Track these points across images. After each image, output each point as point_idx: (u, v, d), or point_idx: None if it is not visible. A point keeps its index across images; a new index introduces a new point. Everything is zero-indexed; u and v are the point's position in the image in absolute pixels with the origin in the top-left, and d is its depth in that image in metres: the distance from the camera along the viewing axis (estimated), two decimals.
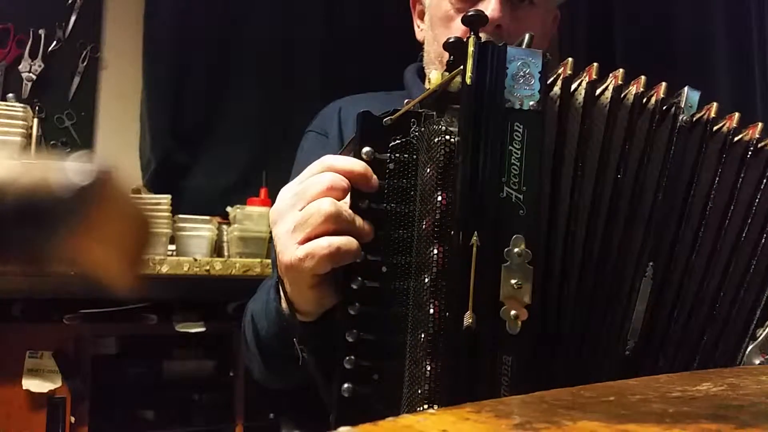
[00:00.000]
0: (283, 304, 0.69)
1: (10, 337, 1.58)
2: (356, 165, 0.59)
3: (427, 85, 0.60)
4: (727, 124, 0.65)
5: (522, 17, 0.88)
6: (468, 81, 0.55)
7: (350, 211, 0.58)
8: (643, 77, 0.62)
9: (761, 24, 2.27)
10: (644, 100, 0.62)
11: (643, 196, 0.62)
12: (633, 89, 0.62)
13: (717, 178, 0.64)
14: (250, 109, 2.22)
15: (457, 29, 0.90)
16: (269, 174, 2.04)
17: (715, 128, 0.65)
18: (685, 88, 0.63)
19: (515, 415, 0.34)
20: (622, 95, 0.62)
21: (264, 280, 0.94)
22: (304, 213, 0.59)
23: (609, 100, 0.60)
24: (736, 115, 0.65)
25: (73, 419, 1.60)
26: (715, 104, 0.64)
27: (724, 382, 0.44)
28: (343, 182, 0.59)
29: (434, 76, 0.59)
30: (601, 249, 0.61)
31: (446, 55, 0.95)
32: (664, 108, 0.63)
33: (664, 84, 0.63)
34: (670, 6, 2.37)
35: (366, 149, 0.60)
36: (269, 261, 1.46)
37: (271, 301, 0.73)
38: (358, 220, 0.59)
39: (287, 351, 0.71)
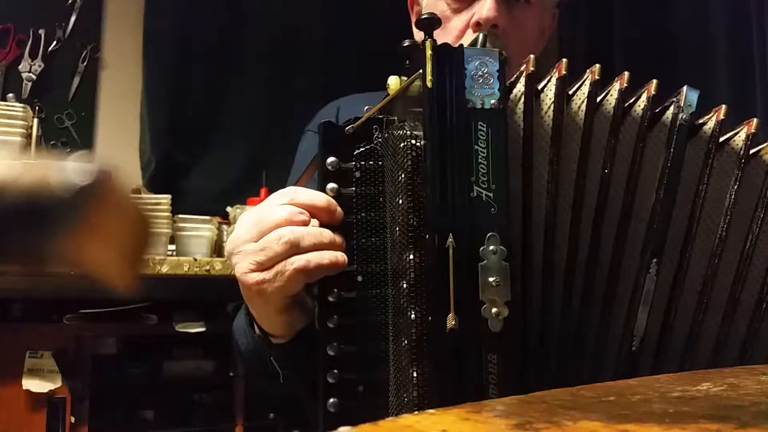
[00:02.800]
0: (255, 327, 0.68)
1: (10, 337, 1.58)
2: (318, 199, 0.59)
3: (387, 91, 0.60)
4: (745, 130, 0.64)
5: (518, 16, 0.88)
6: (429, 84, 0.55)
7: (312, 233, 0.58)
8: (626, 73, 0.62)
9: (761, 24, 2.26)
10: (633, 98, 0.62)
11: (639, 192, 0.61)
12: (617, 86, 0.61)
13: (737, 184, 0.63)
14: (250, 109, 2.22)
15: (453, 29, 0.89)
16: (269, 174, 2.04)
17: (728, 135, 0.64)
18: (684, 87, 0.63)
19: (515, 415, 0.34)
20: (605, 92, 0.61)
21: None
22: (262, 242, 0.58)
23: (586, 96, 0.60)
24: (755, 121, 0.64)
25: (73, 419, 1.60)
26: (724, 106, 0.64)
27: (724, 382, 0.44)
28: (303, 215, 0.58)
29: (393, 81, 0.59)
30: (592, 245, 0.60)
31: None
32: (659, 106, 0.63)
33: (654, 81, 0.62)
34: (670, 6, 2.37)
35: (330, 159, 0.60)
36: None
37: (246, 320, 0.72)
38: (326, 238, 0.58)
39: (266, 368, 0.70)
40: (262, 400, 1.77)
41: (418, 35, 1.04)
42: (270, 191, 2.14)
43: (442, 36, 0.94)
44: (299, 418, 1.00)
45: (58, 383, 1.58)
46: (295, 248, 0.57)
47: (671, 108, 0.62)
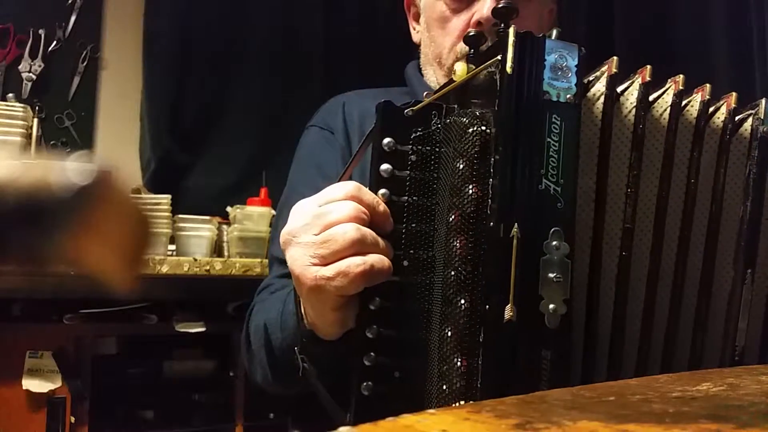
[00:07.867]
0: (306, 322, 0.66)
1: (10, 337, 1.58)
2: (380, 205, 0.58)
3: (452, 77, 0.59)
4: None
5: (518, 14, 0.88)
6: (509, 70, 0.53)
7: (374, 235, 0.57)
8: (708, 85, 0.62)
9: (761, 24, 2.26)
10: (713, 109, 0.63)
11: (725, 203, 0.61)
12: (698, 97, 0.62)
13: None
14: (250, 109, 2.22)
15: (454, 30, 0.89)
16: (269, 174, 2.04)
17: None
18: (762, 101, 0.64)
19: (515, 415, 0.34)
20: (686, 101, 0.62)
21: (263, 281, 0.93)
22: (326, 235, 0.56)
23: (669, 104, 0.60)
24: None
25: (73, 419, 1.60)
26: None
27: (724, 382, 0.44)
28: (366, 217, 0.57)
29: (459, 68, 0.58)
30: (680, 253, 0.60)
31: (445, 55, 0.94)
32: (737, 118, 0.63)
33: (734, 94, 0.63)
34: (670, 6, 2.37)
35: (387, 140, 0.58)
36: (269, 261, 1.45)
37: (289, 313, 0.71)
38: (381, 243, 0.57)
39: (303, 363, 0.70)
40: (262, 400, 1.76)
41: (416, 37, 1.04)
42: (270, 191, 2.14)
43: (441, 36, 0.94)
44: (302, 417, 1.00)
45: (58, 383, 1.58)
46: (358, 246, 0.56)
47: (749, 120, 0.63)
